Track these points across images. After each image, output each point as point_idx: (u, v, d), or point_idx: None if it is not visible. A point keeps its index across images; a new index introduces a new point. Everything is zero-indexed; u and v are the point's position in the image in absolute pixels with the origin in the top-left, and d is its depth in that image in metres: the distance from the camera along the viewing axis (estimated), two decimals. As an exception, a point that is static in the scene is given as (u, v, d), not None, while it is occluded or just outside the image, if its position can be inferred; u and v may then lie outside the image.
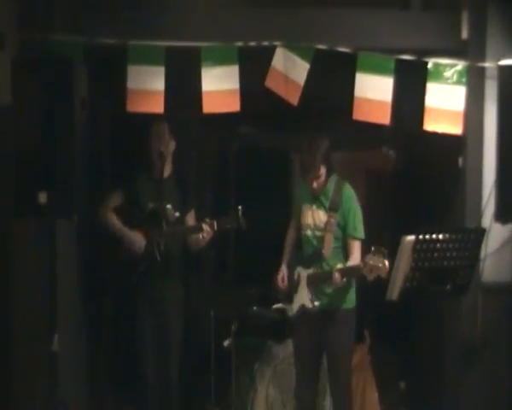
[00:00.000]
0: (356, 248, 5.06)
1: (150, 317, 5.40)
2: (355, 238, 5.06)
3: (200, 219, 5.34)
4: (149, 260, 5.32)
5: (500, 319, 5.46)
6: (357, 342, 5.83)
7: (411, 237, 4.45)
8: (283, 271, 5.28)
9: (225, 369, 5.75)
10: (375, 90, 5.45)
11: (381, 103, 5.45)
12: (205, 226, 5.15)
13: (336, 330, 5.09)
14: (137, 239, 5.36)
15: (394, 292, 4.57)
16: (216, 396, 5.80)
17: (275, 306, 5.77)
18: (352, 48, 5.49)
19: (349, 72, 5.45)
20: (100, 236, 5.55)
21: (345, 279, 4.89)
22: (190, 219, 5.45)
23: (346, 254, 5.10)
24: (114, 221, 5.44)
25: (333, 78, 5.62)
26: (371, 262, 4.70)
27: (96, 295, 5.87)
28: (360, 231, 5.08)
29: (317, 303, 5.05)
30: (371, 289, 5.72)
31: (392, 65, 5.46)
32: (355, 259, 5.00)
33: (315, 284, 5.07)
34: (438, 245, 4.46)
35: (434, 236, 4.44)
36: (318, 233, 5.12)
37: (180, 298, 5.46)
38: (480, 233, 4.69)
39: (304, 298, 5.11)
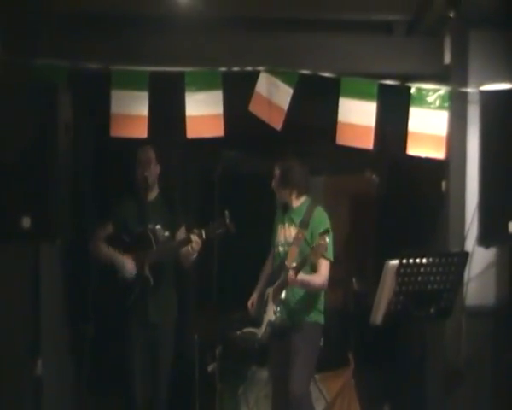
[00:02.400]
0: (323, 266, 5.12)
1: (142, 342, 5.41)
2: (323, 257, 5.09)
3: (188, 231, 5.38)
4: (142, 285, 5.34)
5: (484, 343, 5.46)
6: (342, 365, 5.96)
7: (395, 262, 4.50)
8: (254, 296, 5.40)
9: (210, 393, 5.73)
10: (358, 115, 5.47)
11: (364, 128, 5.47)
12: (193, 237, 5.18)
13: (300, 341, 5.12)
14: (127, 264, 5.36)
15: (378, 316, 4.61)
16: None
17: (244, 330, 5.85)
18: (336, 73, 5.50)
19: (332, 97, 5.46)
20: (87, 261, 5.56)
21: (299, 278, 4.95)
22: (182, 236, 5.46)
23: (312, 271, 5.15)
24: (105, 250, 5.44)
25: (316, 103, 5.73)
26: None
27: (82, 319, 5.78)
28: (329, 252, 5.10)
29: (279, 315, 5.11)
30: (355, 312, 6.10)
31: (375, 90, 5.48)
32: (322, 276, 5.08)
33: (278, 294, 5.14)
34: (421, 269, 4.49)
35: (418, 260, 4.48)
36: (286, 248, 5.24)
37: (172, 322, 5.50)
38: (464, 257, 4.71)
39: (270, 314, 5.20)
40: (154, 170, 5.48)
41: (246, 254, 5.99)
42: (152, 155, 5.46)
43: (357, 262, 4.93)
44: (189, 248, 5.21)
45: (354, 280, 6.39)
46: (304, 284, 5.11)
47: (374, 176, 7.17)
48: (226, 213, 5.15)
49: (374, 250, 6.87)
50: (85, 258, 5.53)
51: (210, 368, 5.77)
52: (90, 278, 5.56)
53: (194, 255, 5.30)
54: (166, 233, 5.44)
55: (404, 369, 6.35)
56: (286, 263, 5.17)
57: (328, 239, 4.87)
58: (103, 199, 5.91)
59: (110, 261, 5.41)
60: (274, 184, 5.31)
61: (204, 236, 5.21)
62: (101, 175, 6.29)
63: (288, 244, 5.24)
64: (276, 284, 5.22)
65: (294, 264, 5.07)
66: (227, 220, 5.14)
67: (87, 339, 5.67)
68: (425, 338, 5.88)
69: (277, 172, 5.25)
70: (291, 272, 5.00)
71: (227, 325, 6.08)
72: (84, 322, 5.69)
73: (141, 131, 5.48)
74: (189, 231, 5.33)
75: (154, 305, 5.36)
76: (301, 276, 5.02)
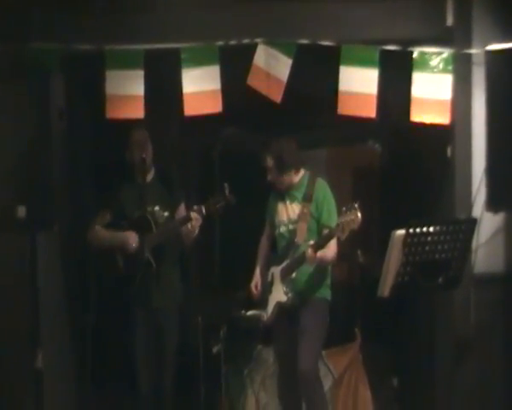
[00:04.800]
0: (333, 240, 5.01)
1: (145, 328, 5.38)
2: (330, 227, 5.01)
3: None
4: (144, 270, 5.28)
5: (493, 311, 5.41)
6: (348, 340, 5.90)
7: (401, 232, 4.44)
8: (257, 277, 5.33)
9: (215, 375, 5.71)
10: (359, 83, 5.40)
11: (366, 96, 5.40)
12: (193, 214, 5.13)
13: (308, 319, 5.08)
14: (129, 237, 5.30)
15: (386, 288, 4.55)
16: (206, 402, 5.71)
17: (248, 313, 5.85)
18: (335, 41, 5.43)
19: (333, 65, 5.39)
20: (86, 248, 5.49)
21: (318, 255, 4.87)
22: (181, 214, 5.42)
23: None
24: (104, 233, 5.39)
25: (316, 73, 5.58)
26: (342, 220, 4.70)
27: (83, 307, 5.77)
28: (335, 221, 4.99)
29: (290, 295, 5.05)
30: (361, 286, 6.11)
31: (376, 56, 5.41)
32: (330, 249, 5.00)
33: (289, 274, 5.09)
34: (429, 238, 4.42)
35: (425, 229, 4.40)
36: (292, 226, 5.16)
37: (176, 306, 5.46)
38: (472, 223, 4.65)
39: (278, 294, 5.14)
40: (150, 151, 5.43)
41: (248, 232, 5.88)
42: (147, 135, 5.42)
43: (362, 234, 4.83)
44: (190, 225, 5.15)
45: (359, 253, 6.37)
46: (322, 261, 5.03)
47: (376, 146, 7.09)
48: (225, 185, 5.10)
49: (378, 222, 6.79)
50: (84, 245, 5.47)
51: (215, 350, 5.75)
52: (91, 266, 5.53)
53: (196, 233, 5.22)
54: (166, 214, 5.39)
55: (412, 341, 6.30)
56: (296, 241, 5.09)
57: (359, 214, 4.69)
58: (100, 185, 5.86)
59: (111, 243, 5.34)
60: (271, 177, 5.21)
61: (204, 211, 5.15)
62: (96, 160, 6.22)
63: (293, 222, 5.17)
64: (285, 263, 5.15)
65: (312, 241, 4.96)
66: (226, 193, 5.10)
67: (88, 328, 5.64)
68: (433, 309, 5.82)
69: (270, 162, 5.17)
70: (310, 250, 4.89)
71: (231, 304, 6.05)
72: (86, 311, 5.67)
73: (137, 112, 5.43)
74: (188, 208, 5.28)
75: (157, 289, 5.29)
76: (313, 245, 4.93)
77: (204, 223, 5.19)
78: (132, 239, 5.30)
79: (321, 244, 4.92)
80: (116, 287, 5.37)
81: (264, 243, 5.47)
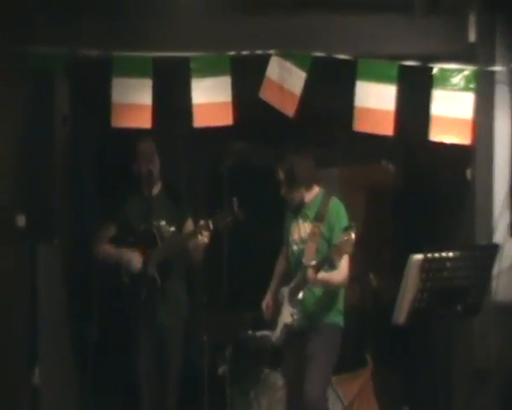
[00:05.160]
0: (343, 262, 4.90)
1: (150, 345, 5.33)
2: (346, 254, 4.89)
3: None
4: (149, 286, 5.25)
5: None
6: (359, 366, 5.85)
7: (419, 257, 4.31)
8: (268, 297, 5.26)
9: (220, 397, 5.66)
10: (377, 99, 5.30)
11: (383, 113, 5.29)
12: (200, 228, 5.06)
13: (317, 344, 4.96)
14: (134, 257, 5.28)
15: (401, 315, 4.43)
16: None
17: (258, 333, 5.78)
18: (352, 55, 5.34)
19: (349, 80, 5.30)
20: (90, 262, 5.46)
21: (322, 276, 4.80)
22: (188, 229, 5.38)
23: (330, 268, 4.95)
24: (110, 249, 5.38)
25: (332, 87, 5.48)
26: (337, 243, 4.67)
27: (85, 323, 5.65)
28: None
29: (296, 317, 4.96)
30: (373, 310, 6.13)
31: (395, 72, 5.30)
32: (342, 272, 4.90)
33: (295, 294, 4.99)
34: (447, 264, 4.34)
35: (444, 254, 4.32)
36: (301, 246, 5.08)
37: (182, 323, 5.42)
38: (494, 250, 4.56)
39: (286, 316, 5.04)
40: (157, 163, 5.38)
41: (258, 250, 5.89)
42: (154, 146, 5.37)
43: (375, 257, 4.74)
44: (197, 241, 5.08)
45: (372, 276, 6.31)
46: (324, 283, 4.93)
47: (390, 165, 7.04)
48: (234, 199, 5.01)
49: (392, 244, 6.77)
50: (87, 258, 5.44)
51: (220, 370, 5.68)
52: (94, 280, 5.47)
53: (203, 248, 5.18)
54: (172, 228, 5.31)
55: (426, 370, 6.20)
56: (303, 261, 4.99)
57: (353, 235, 4.61)
58: (104, 196, 5.81)
59: (116, 260, 5.33)
60: (283, 190, 5.11)
61: (212, 226, 5.05)
62: (101, 170, 6.16)
63: (304, 241, 5.07)
64: (293, 284, 5.04)
65: (314, 262, 4.87)
66: (235, 208, 5.00)
67: (90, 343, 5.56)
68: (450, 336, 5.44)
69: (282, 176, 5.08)
70: (310, 271, 4.81)
71: (238, 324, 5.98)
72: (88, 326, 5.58)
73: (144, 121, 5.33)
74: (195, 223, 5.22)
75: (162, 306, 5.26)
76: (321, 274, 4.84)
77: (212, 239, 5.11)
78: (137, 261, 5.26)
79: (319, 266, 4.82)
80: (120, 302, 5.34)
81: (281, 261, 5.37)
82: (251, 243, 6.08)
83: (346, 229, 4.66)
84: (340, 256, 4.73)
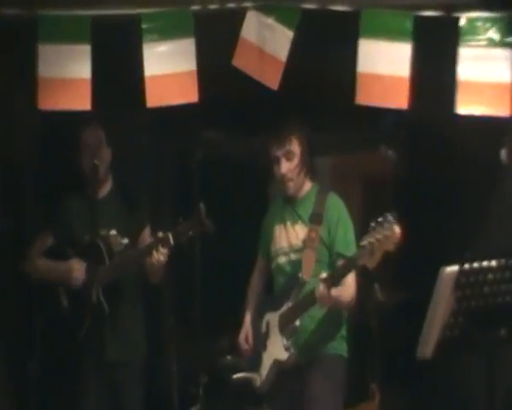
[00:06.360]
0: (350, 275, 4.47)
1: (100, 384, 4.85)
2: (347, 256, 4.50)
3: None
4: (94, 313, 4.77)
5: None
6: (364, 399, 5.53)
7: (453, 269, 3.69)
8: (246, 327, 4.77)
9: None
10: (386, 63, 4.64)
11: (395, 79, 4.63)
12: (157, 243, 4.61)
13: (318, 382, 4.49)
14: (74, 267, 4.80)
15: (429, 346, 3.80)
16: None
17: (235, 376, 5.30)
18: (353, 5, 4.67)
19: (350, 39, 4.63)
20: (23, 279, 5.00)
21: (334, 293, 4.27)
22: (145, 241, 4.91)
23: None
24: (43, 262, 4.90)
25: (326, 49, 5.01)
26: (371, 240, 4.04)
27: (25, 356, 5.26)
28: (353, 249, 4.44)
29: (293, 350, 4.45)
30: (379, 330, 5.57)
31: (409, 25, 4.62)
32: (348, 286, 4.41)
33: (290, 321, 4.48)
34: (489, 275, 3.76)
35: (485, 263, 3.73)
36: (294, 256, 4.60)
37: (139, 360, 4.93)
38: None
39: (276, 350, 4.55)
40: (104, 156, 4.87)
41: (234, 263, 5.55)
42: (101, 135, 4.87)
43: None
44: (153, 259, 4.57)
45: (376, 287, 5.75)
46: (337, 302, 4.43)
47: (389, 152, 6.19)
48: (201, 206, 4.51)
49: (401, 249, 6.09)
50: (20, 276, 4.99)
51: None
52: (31, 303, 5.09)
53: (160, 268, 4.67)
54: (124, 240, 4.86)
55: (442, 402, 5.62)
56: (301, 275, 4.45)
57: (397, 229, 3.98)
58: (38, 199, 5.44)
59: (51, 276, 4.84)
60: (280, 174, 4.57)
61: (172, 241, 4.54)
62: (33, 166, 5.67)
63: (296, 250, 4.54)
64: (285, 307, 4.48)
65: (324, 274, 4.30)
66: (202, 217, 4.50)
67: (32, 380, 5.19)
68: (473, 362, 4.98)
69: (280, 154, 4.57)
70: (322, 287, 4.23)
71: (213, 354, 5.68)
72: (28, 359, 5.21)
73: (82, 102, 4.68)
74: (154, 234, 4.77)
75: (111, 339, 4.78)
76: (327, 278, 4.32)
77: (175, 254, 4.61)
78: (78, 271, 4.77)
79: (337, 278, 4.28)
80: (61, 333, 4.87)
81: (255, 281, 4.87)
82: (226, 253, 5.81)
83: (383, 223, 4.06)
84: (376, 258, 4.12)
